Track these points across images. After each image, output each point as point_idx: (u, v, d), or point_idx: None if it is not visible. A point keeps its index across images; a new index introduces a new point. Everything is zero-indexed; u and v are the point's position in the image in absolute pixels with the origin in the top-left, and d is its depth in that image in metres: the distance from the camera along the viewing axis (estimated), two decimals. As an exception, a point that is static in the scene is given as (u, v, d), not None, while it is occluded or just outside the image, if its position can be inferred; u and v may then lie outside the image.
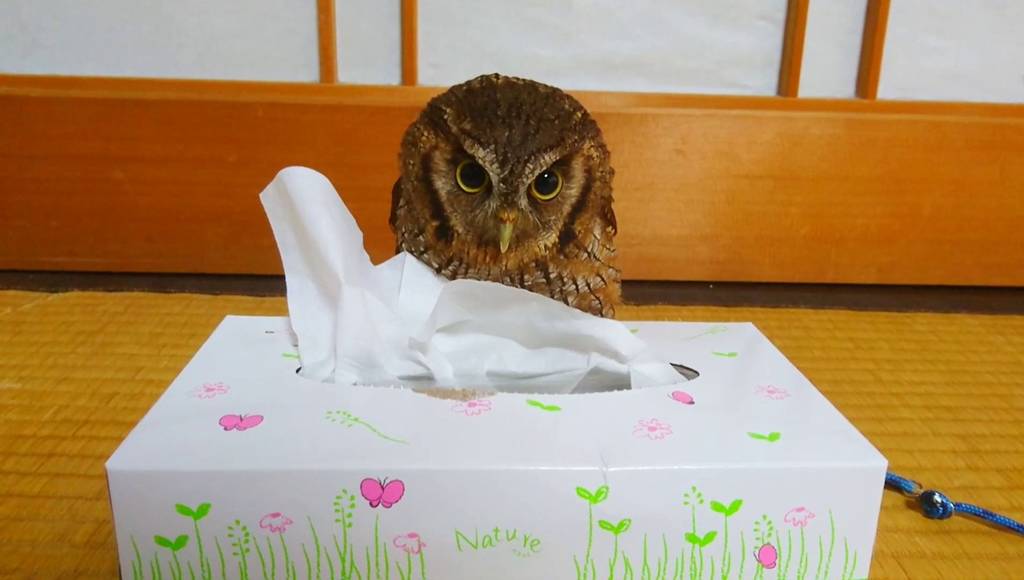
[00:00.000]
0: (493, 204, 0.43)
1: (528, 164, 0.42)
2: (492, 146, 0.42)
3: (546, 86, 0.46)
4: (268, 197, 0.44)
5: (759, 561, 0.35)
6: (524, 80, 0.46)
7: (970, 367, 0.65)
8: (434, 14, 0.80)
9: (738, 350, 0.46)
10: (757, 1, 0.81)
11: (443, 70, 0.81)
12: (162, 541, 0.32)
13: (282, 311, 0.48)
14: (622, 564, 0.34)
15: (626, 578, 0.34)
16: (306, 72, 0.81)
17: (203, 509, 0.32)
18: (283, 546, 0.33)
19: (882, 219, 0.82)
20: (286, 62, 0.80)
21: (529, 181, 0.42)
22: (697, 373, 0.43)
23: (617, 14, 0.81)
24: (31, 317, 0.68)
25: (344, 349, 0.41)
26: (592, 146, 0.45)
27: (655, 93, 0.83)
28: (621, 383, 0.43)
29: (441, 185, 0.45)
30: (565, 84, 0.81)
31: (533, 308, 0.42)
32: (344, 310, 0.41)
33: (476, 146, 0.42)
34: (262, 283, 0.78)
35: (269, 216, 0.44)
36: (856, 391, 0.60)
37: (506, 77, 0.46)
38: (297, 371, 0.41)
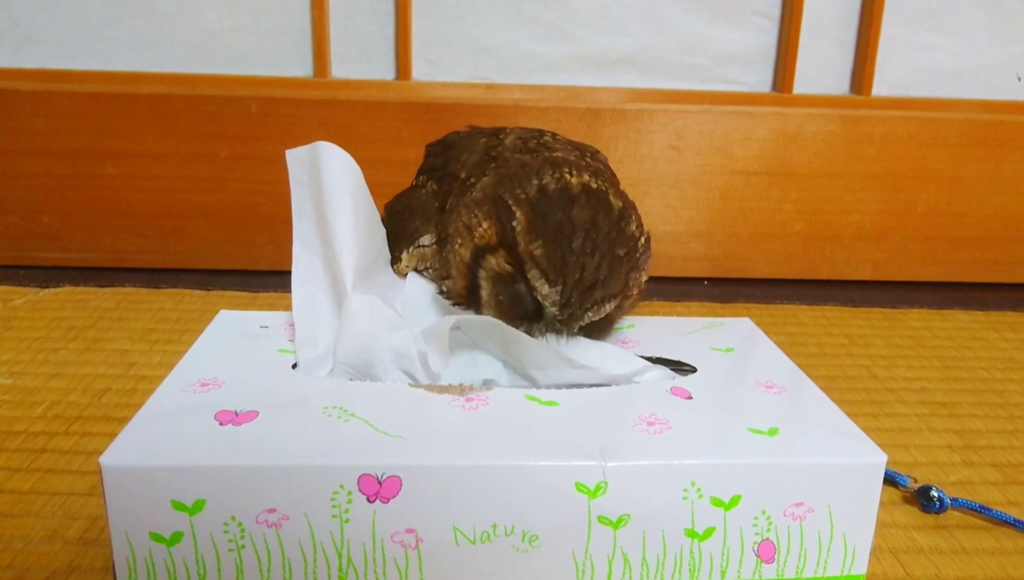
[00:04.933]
0: (541, 330, 0.41)
1: (590, 312, 0.39)
2: (559, 287, 0.38)
3: (615, 190, 0.42)
4: (296, 158, 0.42)
5: (758, 556, 0.35)
6: (598, 182, 0.41)
7: (964, 363, 0.65)
8: (429, 9, 0.80)
9: (735, 345, 0.46)
10: (752, -3, 0.81)
11: (438, 65, 0.81)
12: (157, 537, 0.32)
13: (276, 307, 0.48)
14: (621, 560, 0.34)
15: (625, 574, 0.34)
16: (300, 67, 0.80)
17: (198, 505, 0.32)
18: (279, 542, 0.32)
19: (876, 216, 0.83)
20: (280, 57, 0.80)
21: (584, 323, 0.40)
22: (695, 369, 0.43)
23: (613, 10, 0.81)
24: (22, 313, 0.68)
25: (343, 358, 0.41)
26: (645, 269, 0.42)
27: (650, 89, 0.83)
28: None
29: (485, 284, 0.42)
30: (561, 80, 0.82)
31: (527, 355, 0.41)
32: (347, 320, 0.41)
33: (542, 281, 0.39)
34: (255, 279, 0.77)
35: (291, 179, 0.42)
36: (851, 387, 0.60)
37: (580, 175, 0.41)
38: (293, 366, 0.41)
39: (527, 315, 0.41)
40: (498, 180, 0.42)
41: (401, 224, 0.48)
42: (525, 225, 0.39)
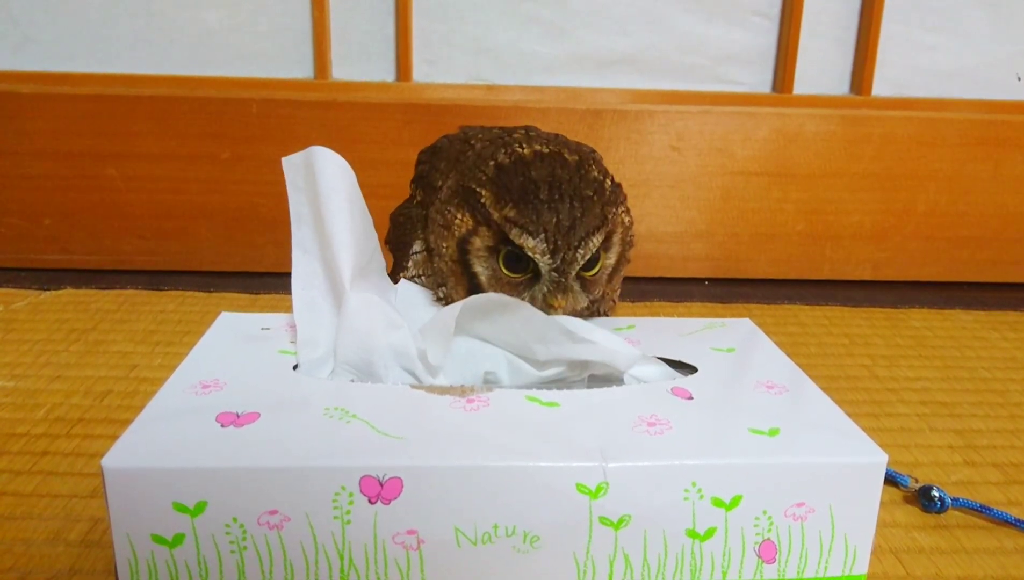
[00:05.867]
0: (543, 290, 0.42)
1: (579, 250, 0.41)
2: (542, 235, 0.40)
3: (570, 150, 0.44)
4: (292, 165, 0.43)
5: (759, 557, 0.35)
6: (549, 147, 0.44)
7: (965, 363, 0.65)
8: (429, 9, 0.80)
9: (736, 345, 0.46)
10: (752, -3, 0.81)
11: (438, 66, 0.81)
12: (159, 539, 0.32)
13: (277, 308, 0.48)
14: (622, 560, 0.34)
15: (626, 574, 0.34)
16: (300, 68, 0.80)
17: (200, 507, 0.32)
18: (281, 544, 0.32)
19: (877, 216, 0.83)
20: (280, 58, 0.80)
21: (580, 266, 0.42)
22: (695, 369, 0.43)
23: (613, 10, 0.81)
24: (23, 315, 0.68)
25: (343, 357, 0.41)
26: (624, 211, 0.45)
27: (651, 90, 0.83)
28: (619, 380, 0.43)
29: (481, 270, 0.43)
30: (561, 81, 0.82)
31: (529, 329, 0.41)
32: (347, 318, 0.41)
33: (524, 236, 0.41)
34: (256, 280, 0.77)
35: (288, 185, 0.43)
36: (852, 387, 0.60)
37: (530, 146, 0.44)
38: (294, 368, 0.41)
39: (525, 280, 0.43)
40: (458, 176, 0.44)
41: (404, 235, 0.49)
42: (492, 197, 0.42)
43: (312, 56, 0.80)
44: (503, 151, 0.44)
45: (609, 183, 0.43)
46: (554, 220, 0.40)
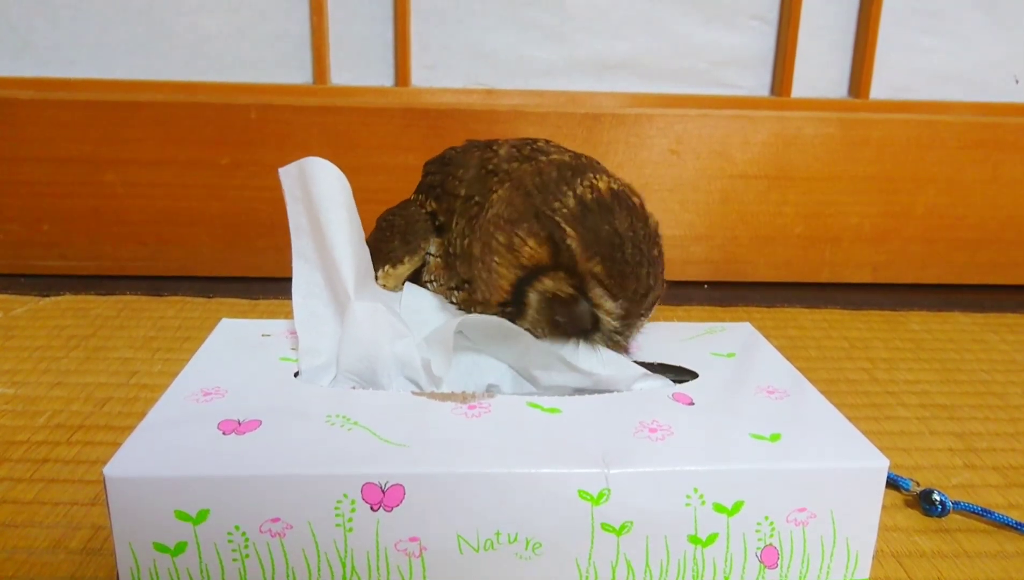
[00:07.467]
0: (599, 339, 0.41)
1: (643, 317, 0.41)
2: (621, 301, 0.39)
3: (631, 190, 0.42)
4: (288, 175, 0.43)
5: (761, 562, 0.35)
6: (617, 182, 0.41)
7: (965, 365, 0.65)
8: (427, 15, 0.80)
9: (736, 350, 0.46)
10: (750, 1, 0.81)
11: (437, 71, 0.81)
12: (161, 547, 0.32)
13: (277, 313, 0.48)
14: (624, 566, 0.34)
15: (628, 580, 0.34)
16: (299, 74, 0.80)
17: (202, 515, 0.32)
18: (283, 552, 0.32)
19: (876, 218, 0.83)
20: (279, 64, 0.80)
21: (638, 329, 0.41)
22: (696, 374, 0.43)
23: (611, 14, 0.81)
24: (23, 321, 0.68)
25: (346, 365, 0.41)
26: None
27: (649, 93, 0.83)
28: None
29: (536, 304, 0.41)
30: (560, 85, 0.82)
31: (530, 356, 0.41)
32: (351, 327, 0.41)
33: (606, 297, 0.39)
34: (256, 285, 0.77)
35: (286, 195, 0.43)
36: (852, 390, 0.60)
37: (601, 179, 0.41)
38: (295, 375, 0.41)
39: (584, 331, 0.41)
40: (525, 193, 0.41)
41: (380, 242, 0.48)
42: (579, 242, 0.39)
43: (311, 61, 0.80)
44: (579, 180, 0.41)
45: (658, 231, 0.42)
46: (634, 287, 0.39)
